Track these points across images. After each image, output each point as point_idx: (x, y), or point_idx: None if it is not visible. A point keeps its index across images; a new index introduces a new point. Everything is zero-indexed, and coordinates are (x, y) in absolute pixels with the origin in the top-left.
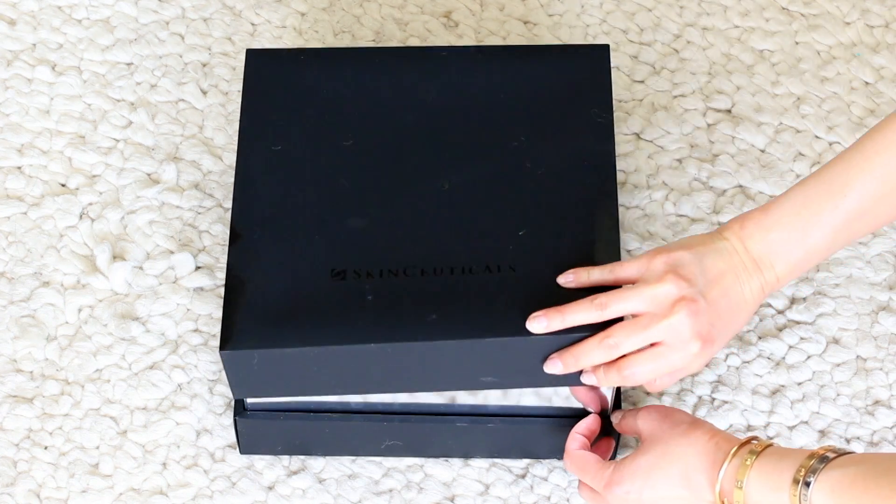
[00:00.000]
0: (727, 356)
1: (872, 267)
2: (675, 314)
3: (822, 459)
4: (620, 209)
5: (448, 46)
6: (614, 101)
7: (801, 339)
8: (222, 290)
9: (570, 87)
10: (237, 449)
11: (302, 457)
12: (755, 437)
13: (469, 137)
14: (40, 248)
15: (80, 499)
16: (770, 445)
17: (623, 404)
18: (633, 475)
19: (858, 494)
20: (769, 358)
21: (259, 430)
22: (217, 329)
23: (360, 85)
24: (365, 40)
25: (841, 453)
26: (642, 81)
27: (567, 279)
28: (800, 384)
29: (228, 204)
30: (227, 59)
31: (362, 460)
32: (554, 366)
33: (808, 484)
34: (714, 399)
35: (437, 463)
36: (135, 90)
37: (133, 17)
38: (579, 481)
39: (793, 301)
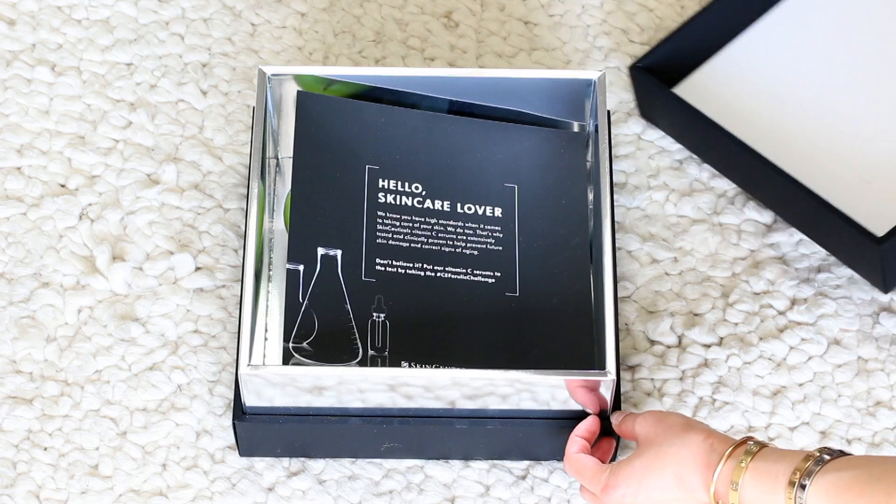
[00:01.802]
0: (728, 357)
1: None
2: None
3: (817, 462)
4: (621, 210)
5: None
6: (616, 103)
7: (802, 339)
8: (222, 291)
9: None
10: (237, 450)
11: (302, 458)
12: (751, 438)
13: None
14: (40, 248)
15: (79, 500)
16: (765, 446)
17: (623, 405)
18: (629, 478)
19: (853, 499)
20: (770, 359)
21: (258, 434)
22: (217, 329)
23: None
24: (365, 40)
25: (837, 455)
26: None
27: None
28: (801, 385)
29: (228, 205)
30: (226, 59)
31: (362, 461)
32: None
33: (803, 486)
34: (715, 400)
35: (438, 464)
36: (134, 90)
37: (133, 18)
38: (580, 484)
39: (794, 302)
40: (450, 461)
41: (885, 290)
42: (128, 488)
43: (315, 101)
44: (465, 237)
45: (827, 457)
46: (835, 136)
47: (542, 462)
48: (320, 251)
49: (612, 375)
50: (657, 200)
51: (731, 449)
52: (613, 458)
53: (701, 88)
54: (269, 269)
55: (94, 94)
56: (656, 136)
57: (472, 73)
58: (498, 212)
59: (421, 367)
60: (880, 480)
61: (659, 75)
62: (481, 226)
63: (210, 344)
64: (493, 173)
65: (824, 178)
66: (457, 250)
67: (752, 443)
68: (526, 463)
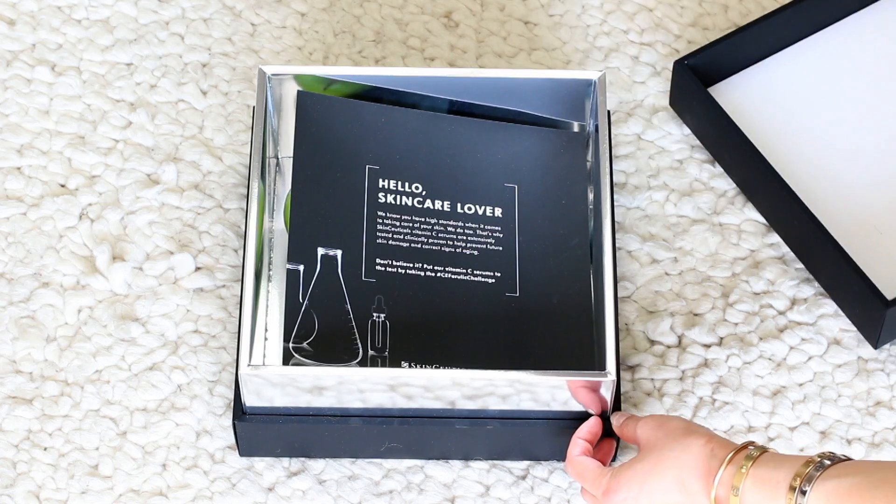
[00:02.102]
0: (728, 357)
1: None
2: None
3: (818, 467)
4: (621, 210)
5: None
6: (617, 103)
7: (803, 339)
8: (222, 291)
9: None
10: (237, 450)
11: (302, 458)
12: (752, 443)
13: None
14: (40, 248)
15: (79, 500)
16: (766, 451)
17: (623, 405)
18: (630, 482)
19: None
20: (770, 359)
21: (258, 434)
22: (217, 329)
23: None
24: (365, 40)
25: (837, 460)
26: (643, 82)
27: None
28: (801, 385)
29: (228, 205)
30: (226, 59)
31: (363, 461)
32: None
33: (803, 492)
34: (715, 400)
35: (438, 464)
36: (134, 90)
37: (133, 18)
38: (582, 486)
39: (794, 302)
40: (450, 461)
41: (876, 346)
42: (128, 488)
43: (315, 101)
44: (465, 237)
45: (827, 462)
46: (858, 174)
47: (542, 462)
48: (320, 251)
49: (612, 376)
50: (657, 200)
51: (731, 454)
52: (614, 459)
53: (738, 92)
54: (269, 269)
55: (94, 94)
56: (657, 135)
57: (472, 73)
58: (498, 212)
59: (421, 367)
60: (880, 487)
61: (700, 75)
62: (481, 226)
63: (210, 344)
64: (493, 173)
65: (835, 214)
66: (457, 250)
67: (752, 447)
68: (526, 463)
